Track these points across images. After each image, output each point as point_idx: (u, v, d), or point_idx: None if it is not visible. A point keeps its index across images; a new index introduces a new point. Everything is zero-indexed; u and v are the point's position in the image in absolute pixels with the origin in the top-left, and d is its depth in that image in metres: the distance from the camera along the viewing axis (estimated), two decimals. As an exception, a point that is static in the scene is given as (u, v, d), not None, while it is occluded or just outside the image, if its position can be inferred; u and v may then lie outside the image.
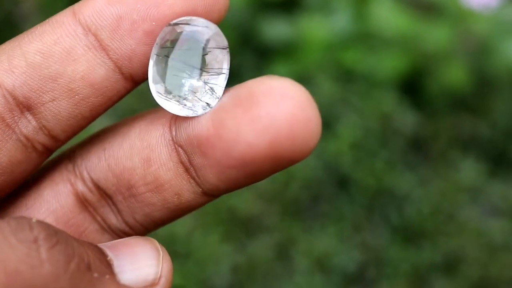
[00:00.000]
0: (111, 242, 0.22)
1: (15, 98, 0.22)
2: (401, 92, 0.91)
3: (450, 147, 0.90)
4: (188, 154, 0.23)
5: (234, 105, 0.21)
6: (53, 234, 0.19)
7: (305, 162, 0.84)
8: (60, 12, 0.23)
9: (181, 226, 0.79)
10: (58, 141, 0.23)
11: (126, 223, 0.25)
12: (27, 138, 0.23)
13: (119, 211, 0.25)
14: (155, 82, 0.22)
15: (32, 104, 0.22)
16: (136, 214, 0.24)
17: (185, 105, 0.22)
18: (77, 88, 0.22)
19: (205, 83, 0.22)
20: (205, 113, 0.22)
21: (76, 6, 0.23)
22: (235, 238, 0.81)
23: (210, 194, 0.24)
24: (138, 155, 0.23)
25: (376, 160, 0.86)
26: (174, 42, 0.22)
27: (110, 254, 0.21)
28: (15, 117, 0.23)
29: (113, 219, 0.25)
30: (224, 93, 0.22)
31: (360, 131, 0.87)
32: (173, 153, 0.23)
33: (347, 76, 0.91)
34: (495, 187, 0.87)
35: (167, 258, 0.23)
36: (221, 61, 0.22)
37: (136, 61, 0.23)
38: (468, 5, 0.90)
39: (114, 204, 0.24)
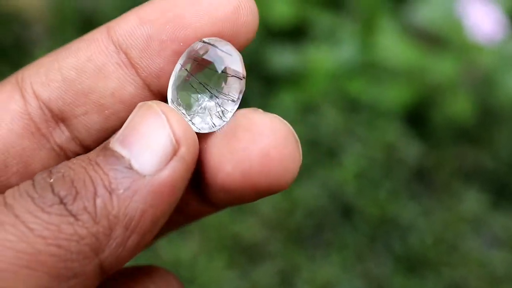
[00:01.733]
0: (121, 133, 0.22)
1: (50, 110, 0.24)
2: (406, 122, 0.92)
3: (454, 178, 0.91)
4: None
5: (223, 134, 0.23)
6: (70, 183, 0.21)
7: (309, 190, 0.85)
8: (96, 29, 0.24)
9: (185, 251, 0.79)
10: (90, 150, 0.24)
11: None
12: (60, 147, 0.24)
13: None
14: (172, 95, 0.23)
15: (66, 116, 0.24)
16: None
17: (195, 121, 0.23)
18: (108, 104, 0.24)
19: (218, 105, 0.23)
20: (209, 132, 0.23)
21: (110, 24, 0.24)
22: (239, 265, 0.81)
23: (215, 206, 0.25)
24: None
25: (380, 190, 0.87)
26: (197, 60, 0.23)
27: (124, 152, 0.21)
28: (50, 128, 0.24)
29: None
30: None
31: (364, 160, 0.88)
32: None
33: (352, 106, 0.92)
34: (497, 218, 0.87)
35: (175, 117, 0.22)
36: (236, 89, 0.23)
37: (164, 79, 0.24)
38: (473, 38, 0.91)
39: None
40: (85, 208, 0.20)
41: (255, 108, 0.23)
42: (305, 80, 0.93)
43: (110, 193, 0.21)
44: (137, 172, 0.21)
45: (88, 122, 0.24)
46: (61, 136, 0.24)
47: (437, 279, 0.82)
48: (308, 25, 0.98)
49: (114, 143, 0.21)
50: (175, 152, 0.21)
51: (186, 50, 0.23)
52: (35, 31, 1.01)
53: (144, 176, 0.21)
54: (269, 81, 0.95)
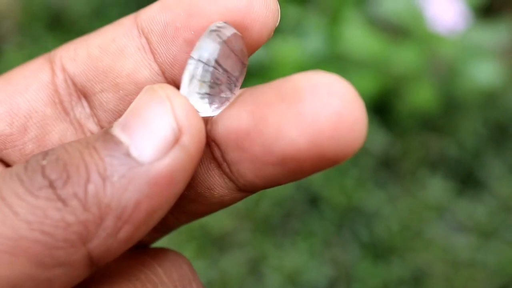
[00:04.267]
0: (124, 117, 0.21)
1: (74, 84, 0.24)
2: (371, 112, 0.93)
3: (419, 166, 0.92)
4: (222, 149, 0.22)
5: (277, 99, 0.21)
6: (63, 167, 0.20)
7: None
8: (126, 16, 0.25)
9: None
10: None
11: None
12: (79, 123, 0.24)
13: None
14: (190, 85, 0.23)
15: (87, 92, 0.24)
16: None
17: (216, 104, 0.22)
18: (123, 84, 0.24)
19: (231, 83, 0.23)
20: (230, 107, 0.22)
21: (140, 10, 0.24)
22: (208, 254, 0.82)
23: (245, 190, 0.23)
24: None
25: (346, 179, 0.88)
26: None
27: (124, 138, 0.20)
28: (72, 102, 0.24)
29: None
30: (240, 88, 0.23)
31: (331, 150, 0.88)
32: (206, 148, 0.23)
33: (318, 97, 0.92)
34: (461, 205, 0.89)
35: (180, 102, 0.21)
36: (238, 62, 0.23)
37: (177, 67, 0.23)
38: (435, 29, 0.93)
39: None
40: (75, 194, 0.19)
41: (315, 70, 0.21)
42: (272, 72, 0.94)
43: (103, 180, 0.19)
44: (135, 160, 0.20)
45: (104, 99, 0.24)
46: (81, 112, 0.24)
47: (402, 264, 0.83)
48: (275, 18, 0.98)
49: (116, 128, 0.21)
50: (176, 140, 0.20)
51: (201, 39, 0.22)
52: (5, 27, 1.01)
53: (142, 164, 0.20)
54: (237, 74, 0.95)
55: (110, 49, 0.24)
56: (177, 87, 0.23)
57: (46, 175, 0.20)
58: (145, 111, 0.21)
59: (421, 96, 0.92)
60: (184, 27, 0.23)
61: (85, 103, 0.24)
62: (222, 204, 0.24)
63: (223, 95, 0.22)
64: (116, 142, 0.20)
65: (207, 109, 0.22)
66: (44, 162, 0.20)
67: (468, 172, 0.93)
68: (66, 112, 0.24)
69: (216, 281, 0.80)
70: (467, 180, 0.92)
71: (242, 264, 0.81)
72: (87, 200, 0.19)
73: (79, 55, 0.24)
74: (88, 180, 0.19)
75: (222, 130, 0.22)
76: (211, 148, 0.23)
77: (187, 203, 0.24)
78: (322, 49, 0.96)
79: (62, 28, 1.00)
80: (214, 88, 0.22)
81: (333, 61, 0.95)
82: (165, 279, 0.23)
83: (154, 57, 0.23)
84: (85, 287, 0.22)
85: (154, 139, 0.20)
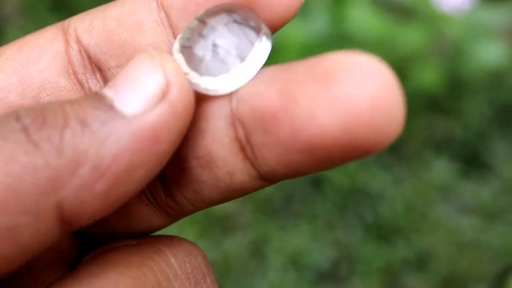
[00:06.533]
0: (113, 79, 0.20)
1: (89, 56, 0.23)
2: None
3: (424, 147, 0.91)
4: (247, 130, 0.21)
5: (310, 79, 0.19)
6: (40, 113, 0.19)
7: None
8: None
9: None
10: None
11: None
12: None
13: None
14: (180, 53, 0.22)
15: (101, 66, 0.23)
16: (185, 190, 0.22)
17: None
18: None
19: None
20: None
21: None
22: (211, 236, 0.82)
23: (266, 179, 0.21)
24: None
25: (350, 160, 0.88)
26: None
27: (109, 93, 0.19)
28: (87, 74, 0.23)
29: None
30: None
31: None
32: (230, 128, 0.21)
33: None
34: (466, 186, 0.88)
35: (171, 61, 0.20)
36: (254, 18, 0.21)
37: None
38: (440, 8, 0.92)
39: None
40: (49, 138, 0.18)
41: (350, 50, 0.19)
42: (277, 53, 0.94)
43: (82, 127, 0.18)
44: (118, 111, 0.19)
45: None
46: (96, 84, 0.23)
47: (407, 246, 0.83)
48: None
49: (104, 88, 0.20)
50: (163, 96, 0.19)
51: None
52: (7, 8, 1.01)
53: (126, 116, 0.19)
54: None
55: (127, 23, 0.22)
56: None
57: (20, 119, 0.18)
58: (134, 69, 0.20)
59: (427, 77, 0.91)
60: (207, 2, 0.21)
61: (99, 77, 0.23)
62: (242, 192, 0.22)
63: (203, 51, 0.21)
64: (100, 96, 0.19)
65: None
66: (20, 111, 0.19)
67: (474, 153, 0.92)
68: (81, 84, 0.23)
69: (218, 263, 0.80)
70: (473, 161, 0.91)
71: (245, 245, 0.81)
72: (62, 144, 0.18)
73: (94, 27, 0.23)
74: (65, 126, 0.18)
75: (248, 108, 0.20)
76: (235, 128, 0.21)
77: (205, 189, 0.22)
78: (327, 30, 0.95)
79: (65, 9, 0.99)
80: (190, 40, 0.21)
81: (338, 42, 0.95)
82: (178, 271, 0.21)
83: (173, 33, 0.22)
84: (90, 272, 0.21)
85: (140, 92, 0.19)
